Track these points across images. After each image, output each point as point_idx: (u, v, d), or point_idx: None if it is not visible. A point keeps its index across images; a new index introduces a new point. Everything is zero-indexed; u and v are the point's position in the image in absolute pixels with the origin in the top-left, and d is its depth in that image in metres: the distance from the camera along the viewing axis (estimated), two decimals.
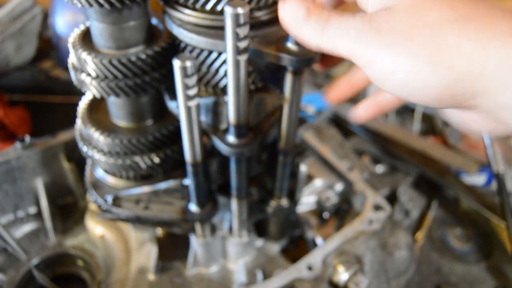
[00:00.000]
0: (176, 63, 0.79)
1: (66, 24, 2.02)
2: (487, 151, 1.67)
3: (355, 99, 2.31)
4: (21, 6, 1.84)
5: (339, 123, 2.11)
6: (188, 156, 0.96)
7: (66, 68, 2.17)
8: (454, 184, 1.82)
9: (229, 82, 0.83)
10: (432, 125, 2.22)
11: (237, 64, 0.79)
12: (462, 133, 2.04)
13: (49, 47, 2.20)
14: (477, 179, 1.92)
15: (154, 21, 1.03)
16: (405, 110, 2.29)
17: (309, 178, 1.35)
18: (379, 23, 0.61)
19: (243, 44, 0.77)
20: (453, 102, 0.60)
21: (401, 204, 1.73)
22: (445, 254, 1.66)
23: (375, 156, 1.94)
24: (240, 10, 0.72)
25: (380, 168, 1.91)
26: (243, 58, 0.79)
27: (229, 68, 0.81)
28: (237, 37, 0.75)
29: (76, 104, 1.16)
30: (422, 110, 2.19)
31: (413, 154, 1.91)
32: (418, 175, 1.89)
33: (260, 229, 1.27)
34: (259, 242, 1.30)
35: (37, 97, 2.04)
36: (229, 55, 0.78)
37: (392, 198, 1.75)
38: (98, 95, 0.98)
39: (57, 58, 2.21)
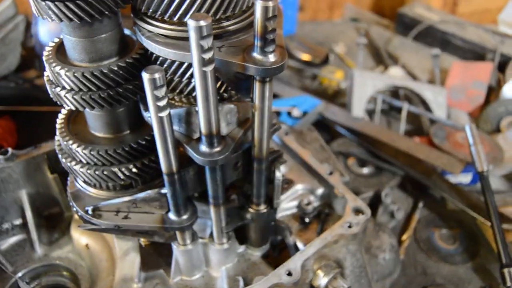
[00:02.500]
0: (145, 76, 0.80)
1: (49, 32, 2.03)
2: (471, 150, 1.69)
3: (342, 101, 2.33)
4: (3, 15, 1.85)
5: (325, 124, 2.12)
6: (163, 166, 0.97)
7: None
8: (440, 184, 1.83)
9: (198, 92, 0.84)
10: (418, 125, 2.23)
11: (204, 75, 0.80)
12: (448, 132, 2.05)
13: (33, 56, 2.21)
14: (463, 178, 1.93)
15: (127, 32, 1.04)
16: (392, 110, 2.30)
17: (290, 182, 1.35)
18: None
19: (208, 55, 0.77)
20: None
21: (385, 206, 1.73)
22: (431, 255, 1.67)
23: (361, 158, 1.95)
24: (202, 23, 0.72)
25: (366, 170, 1.92)
26: (209, 69, 0.80)
27: (197, 79, 0.81)
28: (201, 49, 0.76)
29: None
30: (408, 110, 2.20)
31: (399, 155, 1.92)
32: (403, 176, 1.90)
33: (241, 235, 1.28)
34: (241, 248, 1.30)
35: (22, 107, 2.04)
36: (195, 66, 0.79)
37: (377, 200, 1.76)
38: (73, 107, 0.98)
39: (41, 67, 2.22)
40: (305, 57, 2.59)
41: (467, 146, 1.90)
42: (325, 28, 3.08)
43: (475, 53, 2.69)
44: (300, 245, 1.28)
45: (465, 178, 1.92)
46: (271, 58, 0.83)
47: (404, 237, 1.70)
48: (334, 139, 2.05)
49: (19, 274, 1.43)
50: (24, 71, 2.27)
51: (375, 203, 1.75)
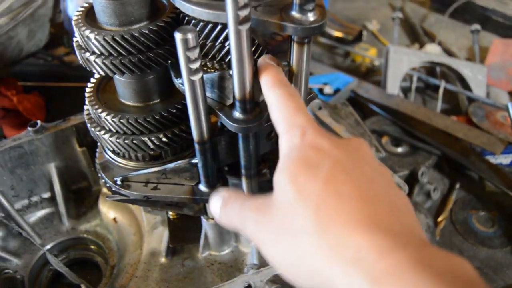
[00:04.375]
0: (178, 36, 0.75)
1: (77, 7, 1.99)
2: None
3: (375, 79, 2.25)
4: None
5: (358, 102, 2.05)
6: (194, 133, 0.93)
7: None
8: (478, 165, 1.75)
9: (232, 54, 0.79)
10: (455, 104, 2.14)
11: (239, 34, 0.75)
12: (487, 111, 1.95)
13: (62, 32, 2.19)
14: (503, 159, 1.84)
15: None
16: (428, 88, 2.21)
17: None
18: (266, 216, 0.64)
19: (244, 13, 0.72)
20: None
21: (422, 185, 1.66)
22: (468, 237, 1.60)
23: (395, 137, 1.88)
24: None
25: (400, 149, 1.85)
26: (245, 27, 0.74)
27: (231, 39, 0.76)
28: (237, 5, 0.71)
29: None
30: (445, 88, 2.11)
31: (435, 133, 1.84)
32: (440, 155, 1.82)
33: None
34: None
35: (51, 83, 2.04)
36: (230, 25, 0.74)
37: (412, 179, 1.69)
38: (102, 73, 0.95)
39: (69, 43, 2.20)
40: (337, 34, 2.51)
41: (508, 125, 1.82)
42: (358, 5, 2.98)
43: None
44: None
45: (505, 160, 1.83)
46: (311, 17, 0.78)
47: (440, 218, 1.63)
48: (367, 117, 1.99)
49: (47, 247, 1.43)
50: (53, 48, 2.27)
51: (410, 183, 1.68)
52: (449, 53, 2.42)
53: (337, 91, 2.01)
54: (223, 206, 0.74)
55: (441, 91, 2.09)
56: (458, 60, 2.25)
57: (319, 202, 0.59)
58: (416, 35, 2.63)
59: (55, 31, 2.16)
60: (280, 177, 0.65)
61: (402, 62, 2.08)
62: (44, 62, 2.20)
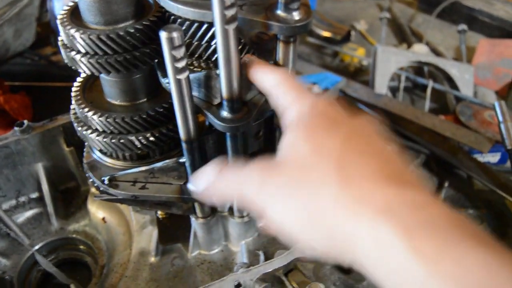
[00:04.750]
0: (163, 35, 0.75)
1: (64, 6, 1.98)
2: (500, 127, 1.61)
3: (364, 79, 2.26)
4: None
5: (346, 102, 2.06)
6: (181, 133, 0.93)
7: None
8: (467, 163, 1.76)
9: (219, 53, 0.79)
10: (443, 103, 2.15)
11: (225, 33, 0.75)
12: (475, 110, 1.97)
13: (49, 32, 2.17)
14: (491, 158, 1.86)
15: None
16: (416, 88, 2.23)
17: None
18: (273, 173, 0.61)
19: (230, 13, 0.72)
20: (337, 260, 0.58)
21: None
22: None
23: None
24: None
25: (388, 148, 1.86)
26: (231, 27, 0.75)
27: (218, 39, 0.77)
28: (223, 5, 0.71)
29: None
30: (432, 88, 2.12)
31: (423, 132, 1.85)
32: (428, 154, 1.84)
33: None
34: (261, 223, 1.26)
35: (38, 82, 2.02)
36: (216, 24, 0.74)
37: None
38: (88, 72, 0.95)
39: (56, 43, 2.18)
40: (326, 34, 2.52)
41: (495, 124, 1.83)
42: (346, 5, 2.99)
43: (504, 30, 2.58)
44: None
45: (492, 158, 1.85)
46: (296, 15, 0.78)
47: None
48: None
49: (36, 247, 1.42)
50: (39, 48, 2.25)
51: None
52: (436, 53, 2.44)
53: (325, 90, 2.02)
54: (218, 175, 0.69)
55: (429, 90, 2.11)
56: (445, 60, 2.26)
57: (340, 156, 0.56)
58: (403, 35, 2.65)
59: (41, 31, 2.15)
60: (291, 138, 0.62)
61: (390, 62, 2.09)
62: (31, 61, 2.18)
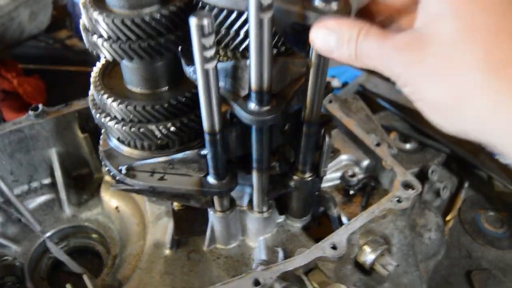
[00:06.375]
0: (193, 21, 0.71)
1: None
2: None
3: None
4: None
5: (366, 96, 2.01)
6: (205, 124, 0.89)
7: (81, 37, 2.11)
8: (488, 164, 1.72)
9: (251, 43, 0.75)
10: None
11: (260, 23, 0.71)
12: None
13: (65, 15, 2.14)
14: None
15: None
16: None
17: (336, 151, 1.26)
18: (420, 54, 0.59)
19: (267, 1, 0.68)
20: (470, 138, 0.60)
21: (431, 183, 1.63)
22: (476, 238, 1.57)
23: (404, 133, 1.84)
24: None
25: (409, 146, 1.81)
26: (267, 16, 0.70)
27: (252, 28, 0.72)
28: None
29: None
30: None
31: None
32: (449, 153, 1.79)
33: (281, 205, 1.20)
34: (280, 218, 1.23)
35: (52, 66, 1.99)
36: (251, 13, 0.70)
37: (421, 177, 1.66)
38: (110, 58, 0.91)
39: (72, 26, 2.15)
40: None
41: None
42: None
43: None
44: (343, 218, 1.20)
45: None
46: (334, 6, 0.74)
47: (448, 217, 1.61)
48: (375, 112, 1.94)
49: (47, 234, 1.40)
50: (54, 31, 2.22)
51: (420, 181, 1.65)
52: None
53: (345, 84, 1.98)
54: (358, 38, 0.65)
55: None
56: None
57: (490, 41, 0.54)
58: None
59: (57, 14, 2.11)
60: (441, 8, 0.58)
61: None
62: (46, 44, 2.15)
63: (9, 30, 1.72)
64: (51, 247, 1.37)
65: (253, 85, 0.80)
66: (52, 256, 1.38)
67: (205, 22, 0.71)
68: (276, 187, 1.11)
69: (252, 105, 0.84)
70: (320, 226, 1.30)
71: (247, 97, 0.85)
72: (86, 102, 1.40)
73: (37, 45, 2.10)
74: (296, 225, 1.23)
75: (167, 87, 1.03)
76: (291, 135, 1.03)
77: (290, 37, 0.83)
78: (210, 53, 0.75)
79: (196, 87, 0.99)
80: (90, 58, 1.08)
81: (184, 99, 1.00)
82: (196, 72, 0.79)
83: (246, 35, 0.86)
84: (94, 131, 1.44)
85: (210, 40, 0.73)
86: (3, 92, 1.76)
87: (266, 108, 0.84)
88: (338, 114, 1.37)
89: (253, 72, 0.78)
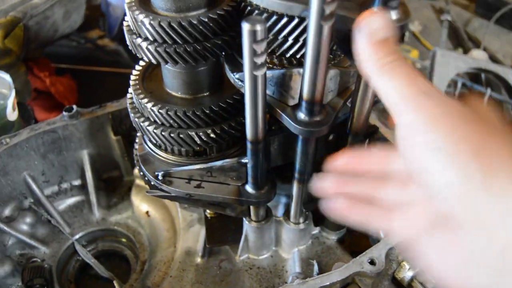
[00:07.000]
0: (245, 27, 0.68)
1: None
2: None
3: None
4: None
5: None
6: (249, 132, 0.86)
7: (113, 38, 2.10)
8: None
9: (308, 51, 0.72)
10: (500, 113, 2.04)
11: (320, 30, 0.68)
12: None
13: (97, 15, 2.14)
14: None
15: None
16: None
17: None
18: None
19: (330, 8, 0.65)
20: None
21: None
22: None
23: None
24: None
25: None
26: (327, 24, 0.67)
27: (310, 35, 0.69)
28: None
29: (124, 75, 1.07)
30: (489, 96, 2.01)
31: None
32: None
33: (317, 216, 1.17)
34: (316, 230, 1.20)
35: (83, 66, 1.99)
36: (312, 20, 0.67)
37: None
38: (154, 61, 0.89)
39: (105, 26, 2.15)
40: None
41: None
42: None
43: None
44: (382, 233, 1.16)
45: None
46: (394, 15, 0.71)
47: None
48: None
49: (76, 237, 1.38)
50: (86, 31, 2.22)
51: None
52: (494, 60, 2.32)
53: None
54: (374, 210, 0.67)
55: (485, 99, 2.00)
56: (507, 68, 2.14)
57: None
58: (459, 40, 2.53)
59: (90, 13, 2.11)
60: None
61: (448, 67, 1.99)
62: (77, 44, 2.15)
63: (43, 29, 1.72)
64: (79, 250, 1.35)
65: (305, 94, 0.78)
66: (80, 258, 1.37)
67: (258, 27, 0.68)
68: (314, 199, 1.08)
69: (302, 115, 0.81)
70: (353, 239, 1.26)
71: (296, 107, 0.82)
72: (120, 104, 1.39)
73: (68, 45, 2.10)
74: (332, 237, 1.20)
75: (208, 93, 1.01)
76: (334, 145, 1.00)
77: (344, 45, 0.80)
78: (260, 59, 0.73)
79: (236, 93, 0.97)
80: (121, 59, 1.07)
81: (225, 105, 0.97)
82: (244, 77, 0.77)
83: (295, 41, 0.84)
84: (126, 134, 1.43)
85: (261, 46, 0.71)
86: (35, 91, 1.75)
87: (316, 118, 0.81)
88: (376, 124, 1.33)
89: (306, 81, 0.76)
